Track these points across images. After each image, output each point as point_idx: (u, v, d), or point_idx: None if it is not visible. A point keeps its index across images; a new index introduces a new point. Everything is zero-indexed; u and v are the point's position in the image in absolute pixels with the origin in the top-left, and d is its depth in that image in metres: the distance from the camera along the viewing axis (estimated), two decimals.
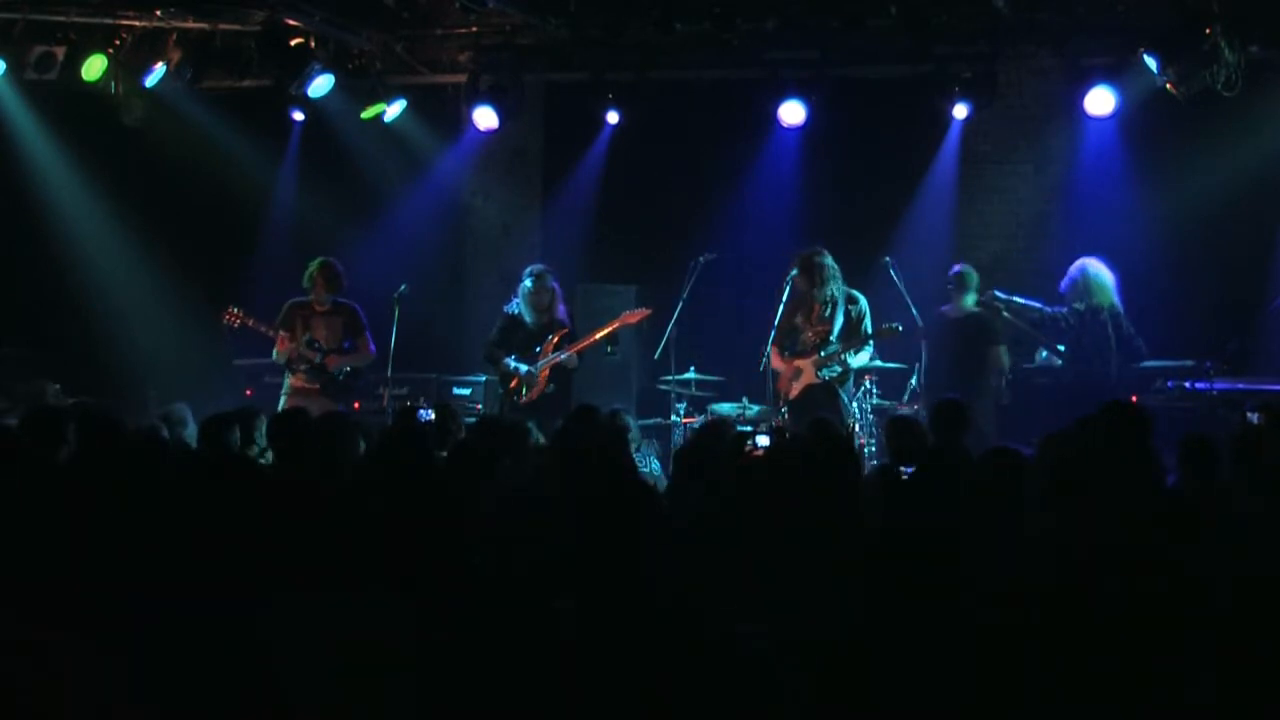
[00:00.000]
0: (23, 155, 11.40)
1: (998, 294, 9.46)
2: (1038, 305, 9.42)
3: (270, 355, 9.64)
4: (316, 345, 9.51)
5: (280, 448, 5.97)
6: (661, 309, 9.72)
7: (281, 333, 9.46)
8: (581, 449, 5.42)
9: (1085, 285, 9.21)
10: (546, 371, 9.38)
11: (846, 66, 10.27)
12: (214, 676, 3.58)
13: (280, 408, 8.95)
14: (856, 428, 9.00)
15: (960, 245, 10.78)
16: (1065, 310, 9.29)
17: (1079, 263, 9.30)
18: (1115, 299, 9.20)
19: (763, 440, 7.03)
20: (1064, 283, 9.33)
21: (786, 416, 9.03)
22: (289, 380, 9.53)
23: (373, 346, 9.69)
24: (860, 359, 9.15)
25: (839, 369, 9.07)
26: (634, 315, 9.65)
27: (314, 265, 9.62)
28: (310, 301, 9.63)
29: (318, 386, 9.48)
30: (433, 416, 7.50)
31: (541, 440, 6.64)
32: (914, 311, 9.50)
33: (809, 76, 10.22)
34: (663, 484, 7.48)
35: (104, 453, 5.29)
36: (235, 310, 9.54)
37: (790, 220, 10.48)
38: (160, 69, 10.48)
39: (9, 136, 11.29)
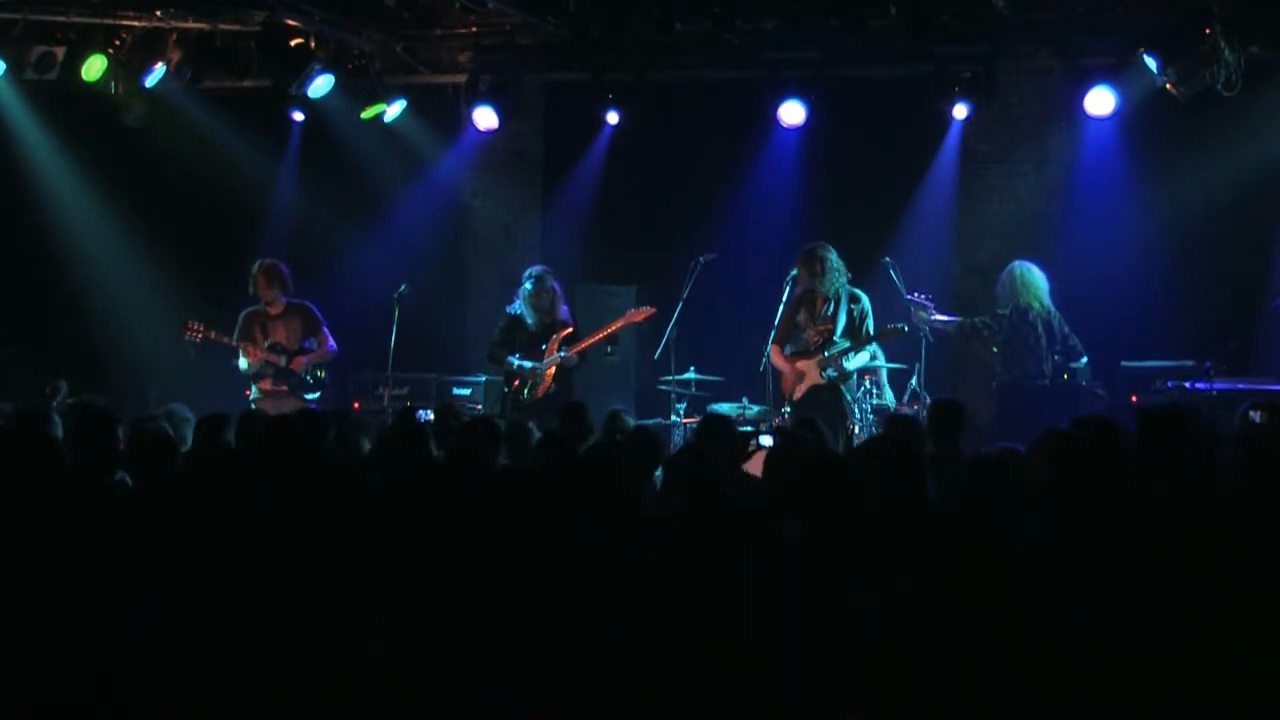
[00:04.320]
0: (23, 155, 11.41)
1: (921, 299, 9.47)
2: (956, 320, 9.50)
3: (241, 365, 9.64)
4: (280, 348, 9.54)
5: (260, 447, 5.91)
6: (661, 309, 9.72)
7: (245, 343, 9.48)
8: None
9: (1013, 287, 9.30)
10: (551, 371, 9.39)
11: (846, 66, 10.28)
12: (205, 671, 3.58)
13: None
14: (856, 429, 9.01)
15: (960, 245, 10.79)
16: (988, 318, 9.36)
17: (1009, 265, 9.43)
18: (1046, 300, 9.28)
19: (766, 440, 7.04)
20: (997, 286, 9.41)
21: (789, 417, 9.03)
22: (256, 385, 9.56)
23: (332, 343, 9.74)
24: (859, 360, 9.16)
25: (840, 368, 9.08)
26: (639, 314, 9.65)
27: (255, 269, 9.64)
28: (263, 307, 9.65)
29: (286, 388, 9.53)
30: (431, 417, 7.51)
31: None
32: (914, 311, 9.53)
33: (809, 76, 10.23)
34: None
35: (108, 454, 5.30)
36: (196, 325, 9.56)
37: (790, 220, 10.47)
38: (160, 69, 10.48)
39: (9, 136, 11.30)
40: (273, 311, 9.66)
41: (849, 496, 4.13)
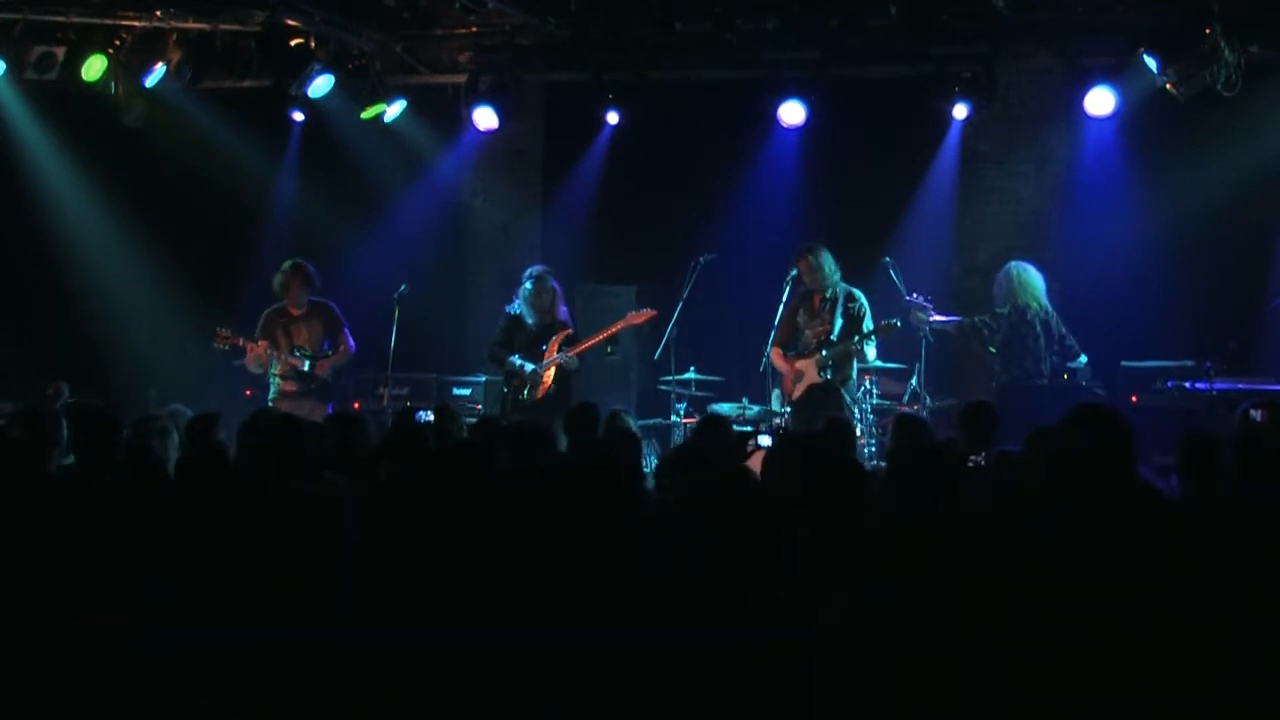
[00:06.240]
0: (23, 155, 11.41)
1: (921, 300, 9.44)
2: (955, 319, 9.53)
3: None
4: (303, 353, 9.51)
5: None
6: (661, 309, 9.72)
7: (260, 340, 9.45)
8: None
9: (1010, 287, 9.34)
10: (551, 371, 9.40)
11: (846, 66, 10.28)
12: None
13: None
14: (857, 429, 9.00)
15: (960, 245, 10.80)
16: (987, 317, 9.39)
17: (1006, 265, 9.48)
18: (1044, 299, 9.32)
19: (765, 440, 7.03)
20: (993, 286, 9.43)
21: (788, 416, 9.04)
22: (276, 385, 9.54)
23: (351, 342, 9.73)
24: (871, 354, 9.20)
25: (842, 367, 9.12)
26: (639, 316, 9.66)
27: (286, 267, 9.62)
28: (286, 306, 9.63)
29: (304, 389, 9.50)
30: (431, 417, 7.50)
31: None
32: None
33: (809, 76, 10.23)
34: None
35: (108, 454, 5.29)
36: (224, 331, 9.50)
37: (790, 220, 10.47)
38: (160, 69, 10.48)
39: (9, 136, 11.31)
40: (295, 312, 9.63)
41: (850, 496, 4.14)
